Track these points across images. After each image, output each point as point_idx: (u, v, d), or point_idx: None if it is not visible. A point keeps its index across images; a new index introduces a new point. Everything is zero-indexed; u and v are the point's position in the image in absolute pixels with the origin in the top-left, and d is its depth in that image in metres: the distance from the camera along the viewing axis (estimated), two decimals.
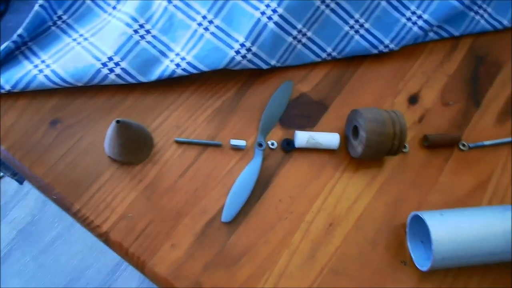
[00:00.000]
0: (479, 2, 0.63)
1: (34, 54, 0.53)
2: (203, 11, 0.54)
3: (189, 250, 0.48)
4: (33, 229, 1.21)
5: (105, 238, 0.49)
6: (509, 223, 0.46)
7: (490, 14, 0.64)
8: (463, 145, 0.57)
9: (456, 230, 0.46)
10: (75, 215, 0.49)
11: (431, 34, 0.62)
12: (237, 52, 0.53)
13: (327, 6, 0.55)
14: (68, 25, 0.56)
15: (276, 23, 0.53)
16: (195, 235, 0.49)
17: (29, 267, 1.17)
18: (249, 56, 0.53)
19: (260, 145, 0.53)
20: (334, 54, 0.58)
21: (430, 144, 0.55)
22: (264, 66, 0.55)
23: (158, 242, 0.48)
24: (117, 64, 0.52)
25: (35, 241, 1.20)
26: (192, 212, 0.50)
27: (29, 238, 1.20)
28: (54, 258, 1.18)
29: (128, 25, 0.53)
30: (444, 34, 0.63)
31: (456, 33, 0.63)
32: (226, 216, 0.49)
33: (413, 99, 0.59)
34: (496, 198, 0.54)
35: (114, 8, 0.56)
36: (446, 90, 0.60)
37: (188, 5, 0.54)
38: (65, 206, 0.49)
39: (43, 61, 0.52)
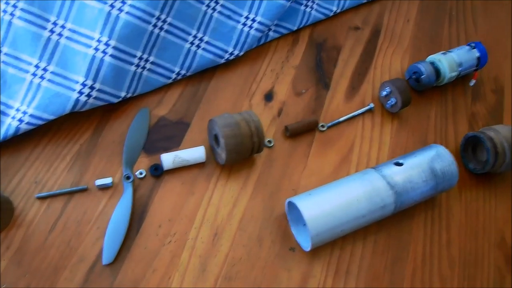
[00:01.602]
0: None
1: None
2: (35, 61, 0.52)
3: None
4: None
5: None
6: (368, 184, 0.50)
7: (318, 4, 0.69)
8: (322, 126, 0.61)
9: (324, 204, 0.49)
10: None
11: (272, 33, 0.66)
12: (80, 92, 0.52)
13: (161, 28, 0.57)
14: None
15: (112, 56, 0.53)
16: (78, 286, 0.46)
17: None
18: (94, 93, 0.53)
19: (128, 177, 0.52)
20: (183, 72, 0.60)
21: (291, 133, 0.59)
22: (115, 100, 0.55)
23: None
24: None
25: None
26: (69, 264, 0.47)
27: None
28: None
29: None
30: (283, 31, 0.67)
31: (294, 28, 0.68)
32: (106, 258, 0.48)
33: (268, 97, 0.62)
34: (361, 166, 0.59)
35: None
36: (296, 81, 0.64)
37: (17, 58, 0.52)
38: None
39: None
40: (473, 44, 0.67)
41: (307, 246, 0.51)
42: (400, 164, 0.53)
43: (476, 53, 0.66)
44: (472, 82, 0.67)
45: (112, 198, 0.52)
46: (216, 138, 0.54)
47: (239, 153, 0.52)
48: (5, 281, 0.46)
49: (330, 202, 0.49)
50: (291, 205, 0.52)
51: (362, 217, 0.50)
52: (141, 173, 0.53)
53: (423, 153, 0.54)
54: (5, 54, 0.52)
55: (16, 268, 0.47)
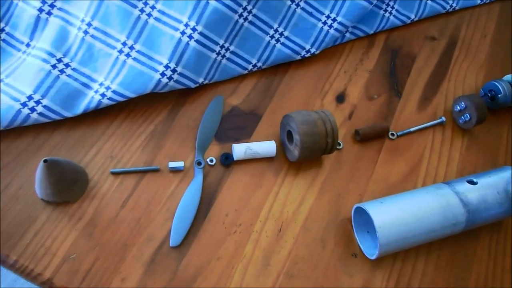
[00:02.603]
0: (386, 1, 0.67)
1: None
2: (122, 38, 0.53)
3: (141, 282, 0.46)
4: None
5: (49, 285, 0.46)
6: (443, 199, 0.49)
7: (397, 10, 0.68)
8: (392, 134, 0.60)
9: (396, 214, 0.48)
10: (12, 267, 0.46)
11: (348, 35, 0.65)
12: (162, 74, 0.52)
13: (246, 19, 0.57)
14: None
15: (197, 41, 0.53)
16: (144, 265, 0.47)
17: None
18: (175, 76, 0.53)
19: (199, 163, 0.53)
20: (259, 64, 0.60)
21: (362, 137, 0.58)
22: (192, 85, 0.55)
23: (106, 279, 0.46)
24: (38, 102, 0.50)
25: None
26: (138, 242, 0.48)
27: None
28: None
29: (45, 60, 0.51)
30: (360, 34, 0.66)
31: (371, 31, 0.67)
32: (174, 240, 0.48)
33: (340, 98, 0.62)
34: (429, 179, 0.58)
35: (28, 45, 0.54)
36: (369, 85, 0.63)
37: (105, 34, 0.53)
38: None
39: None
40: None
41: (371, 254, 0.50)
42: (474, 183, 0.52)
43: None
44: None
45: (182, 182, 0.52)
46: (290, 134, 0.54)
47: (312, 152, 0.52)
48: (75, 251, 0.47)
49: (402, 212, 0.48)
50: (359, 211, 0.52)
51: (433, 232, 0.49)
52: (211, 161, 0.53)
53: (498, 174, 0.53)
54: (95, 28, 0.53)
55: (86, 240, 0.48)
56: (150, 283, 0.46)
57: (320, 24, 0.62)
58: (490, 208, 0.51)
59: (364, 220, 0.52)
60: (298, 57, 0.61)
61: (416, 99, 0.64)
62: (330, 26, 0.62)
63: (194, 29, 0.53)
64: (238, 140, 0.56)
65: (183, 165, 0.52)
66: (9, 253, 0.46)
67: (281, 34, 0.60)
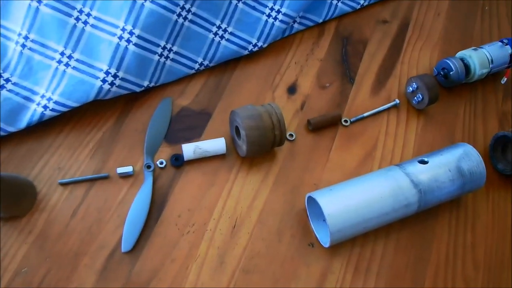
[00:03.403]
0: None
1: None
2: (60, 48, 0.53)
3: None
4: None
5: None
6: (393, 181, 0.49)
7: None
8: (345, 121, 0.59)
9: (346, 200, 0.48)
10: None
11: (296, 25, 0.65)
12: (104, 80, 0.52)
13: (185, 18, 0.57)
14: None
15: (136, 45, 0.53)
16: (97, 272, 0.47)
17: None
18: (117, 82, 0.53)
19: (149, 166, 0.52)
20: (206, 63, 0.59)
21: (314, 127, 0.58)
22: (137, 89, 0.55)
23: None
24: None
25: None
26: (90, 250, 0.48)
27: None
28: None
29: None
30: (309, 23, 0.66)
31: (320, 20, 0.66)
32: (125, 246, 0.48)
33: (291, 89, 0.61)
34: (385, 162, 0.57)
35: None
36: (321, 74, 0.63)
37: (43, 45, 0.53)
38: None
39: None
40: (506, 41, 0.64)
41: (326, 242, 0.50)
42: (425, 162, 0.52)
43: (508, 50, 0.63)
44: (504, 80, 0.65)
45: (132, 187, 0.52)
46: (237, 129, 0.53)
47: (260, 146, 0.52)
48: (26, 265, 0.47)
49: (351, 199, 0.48)
50: (312, 200, 0.51)
51: (385, 215, 0.49)
52: (161, 163, 0.53)
53: (450, 152, 0.53)
54: (32, 40, 0.52)
55: (37, 252, 0.47)
56: None
57: (264, 17, 0.61)
58: (443, 186, 0.50)
59: (318, 209, 0.52)
60: (246, 52, 0.61)
61: (369, 84, 0.64)
62: (275, 18, 0.61)
63: (131, 33, 0.53)
64: (189, 140, 0.56)
65: (132, 169, 0.52)
66: None
67: (225, 30, 0.60)
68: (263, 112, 0.52)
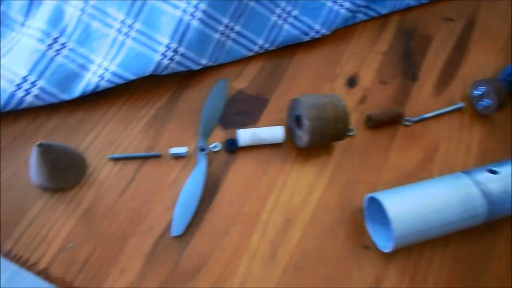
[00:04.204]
0: None
1: None
2: (121, 16, 0.50)
3: (141, 272, 0.44)
4: None
5: (45, 275, 0.44)
6: (462, 190, 0.46)
7: None
8: (407, 120, 0.56)
9: (412, 205, 0.45)
10: (7, 255, 0.44)
11: (360, 15, 0.62)
12: (164, 55, 0.49)
13: None
14: None
15: (200, 20, 0.50)
16: (145, 255, 0.45)
17: None
18: (177, 58, 0.50)
19: (202, 149, 0.50)
20: (266, 45, 0.56)
21: (375, 123, 0.55)
22: (195, 67, 0.53)
23: (105, 269, 0.44)
24: (33, 84, 0.47)
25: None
26: (138, 231, 0.46)
27: None
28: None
29: (40, 40, 0.49)
30: (373, 14, 0.63)
31: (384, 11, 0.63)
32: (176, 230, 0.46)
33: (351, 82, 0.58)
34: (446, 168, 0.54)
35: (22, 24, 0.51)
36: (382, 68, 0.60)
37: (103, 12, 0.50)
38: None
39: None
40: None
41: (385, 246, 0.47)
42: (495, 172, 0.48)
43: None
44: None
45: (185, 169, 0.49)
46: (298, 119, 0.51)
47: (321, 138, 0.49)
48: (72, 241, 0.45)
49: (418, 204, 0.45)
50: (372, 201, 0.49)
51: (451, 224, 0.46)
52: (215, 147, 0.51)
53: None
54: (92, 6, 0.50)
55: (84, 229, 0.45)
56: (150, 274, 0.44)
57: (330, 3, 0.58)
58: None
59: (377, 210, 0.49)
60: (307, 38, 0.58)
61: (432, 83, 0.60)
62: (341, 5, 0.58)
63: (196, 7, 0.50)
64: (243, 126, 0.53)
65: (186, 151, 0.49)
66: (4, 241, 0.44)
67: (289, 13, 0.57)
68: (327, 103, 0.49)
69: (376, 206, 0.49)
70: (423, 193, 0.46)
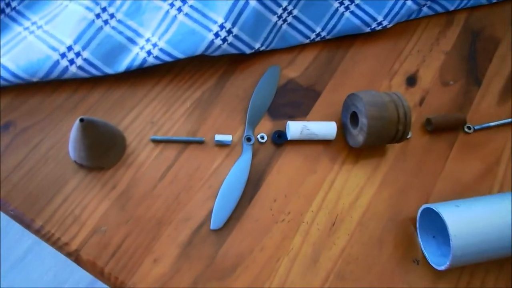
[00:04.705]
0: None
1: None
2: None
3: (175, 265, 0.41)
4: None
5: (75, 257, 0.42)
6: None
7: None
8: (468, 127, 0.52)
9: (474, 222, 0.41)
10: (37, 232, 0.42)
11: (425, 9, 0.57)
12: (216, 34, 0.46)
13: None
14: (18, 12, 0.48)
15: (259, 0, 0.47)
16: (180, 246, 0.42)
17: None
18: (230, 39, 0.47)
19: (249, 139, 0.47)
20: (323, 34, 0.52)
21: (434, 127, 0.50)
22: (247, 50, 0.49)
23: (137, 257, 0.41)
24: (78, 54, 0.45)
25: (3, 258, 1.11)
26: (175, 220, 0.43)
27: None
28: (25, 274, 1.09)
29: (88, 8, 0.46)
30: (439, 9, 0.58)
31: (451, 8, 0.58)
32: (215, 223, 0.43)
33: (411, 80, 0.54)
34: (507, 183, 0.50)
35: None
36: (444, 69, 0.56)
37: None
38: (24, 223, 0.42)
39: None
40: None
41: (438, 263, 0.43)
42: None
43: None
44: None
45: (228, 158, 0.46)
46: (354, 116, 0.47)
47: (378, 139, 0.45)
48: (106, 223, 0.42)
49: (481, 221, 0.41)
50: (428, 212, 0.45)
51: None
52: (262, 137, 0.47)
53: None
54: None
55: (118, 212, 0.43)
56: (185, 267, 0.41)
57: None
58: None
59: (432, 223, 0.45)
60: (367, 29, 0.54)
61: (498, 90, 0.55)
62: None
63: None
64: (293, 118, 0.49)
65: (231, 139, 0.46)
66: (35, 217, 0.42)
67: (352, 1, 0.52)
68: (388, 102, 0.45)
69: (429, 217, 0.45)
70: (486, 210, 0.42)
